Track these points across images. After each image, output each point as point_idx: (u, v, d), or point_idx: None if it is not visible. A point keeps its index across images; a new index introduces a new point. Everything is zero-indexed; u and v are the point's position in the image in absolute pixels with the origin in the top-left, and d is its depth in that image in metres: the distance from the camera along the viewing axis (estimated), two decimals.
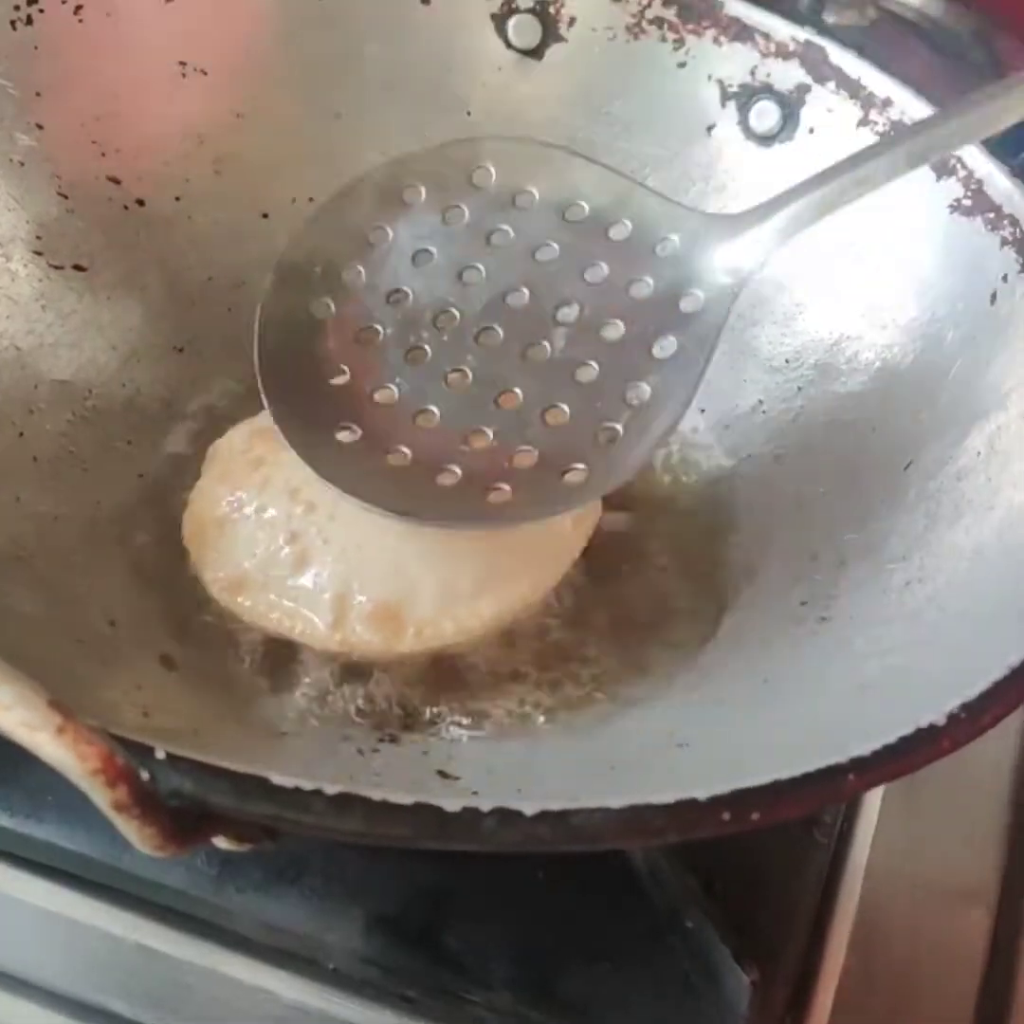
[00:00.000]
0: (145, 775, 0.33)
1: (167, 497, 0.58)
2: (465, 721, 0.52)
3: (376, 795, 0.34)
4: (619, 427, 0.51)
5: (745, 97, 0.63)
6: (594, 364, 0.52)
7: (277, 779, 0.34)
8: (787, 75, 0.62)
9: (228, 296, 0.64)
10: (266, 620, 0.53)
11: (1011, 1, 0.73)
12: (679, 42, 0.64)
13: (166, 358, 0.62)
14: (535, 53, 0.66)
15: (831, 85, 0.61)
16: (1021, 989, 0.56)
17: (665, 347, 0.52)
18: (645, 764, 0.47)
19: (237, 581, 0.54)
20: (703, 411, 0.63)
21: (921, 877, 0.59)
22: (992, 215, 0.56)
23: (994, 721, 0.39)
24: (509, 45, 0.66)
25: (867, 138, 0.60)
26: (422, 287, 0.54)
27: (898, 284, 0.59)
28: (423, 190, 0.56)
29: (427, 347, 0.53)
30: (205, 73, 0.64)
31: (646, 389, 0.51)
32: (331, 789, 0.34)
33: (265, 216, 0.65)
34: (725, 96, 0.64)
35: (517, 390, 0.52)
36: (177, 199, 0.64)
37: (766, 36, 0.62)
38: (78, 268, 0.61)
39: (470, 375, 0.52)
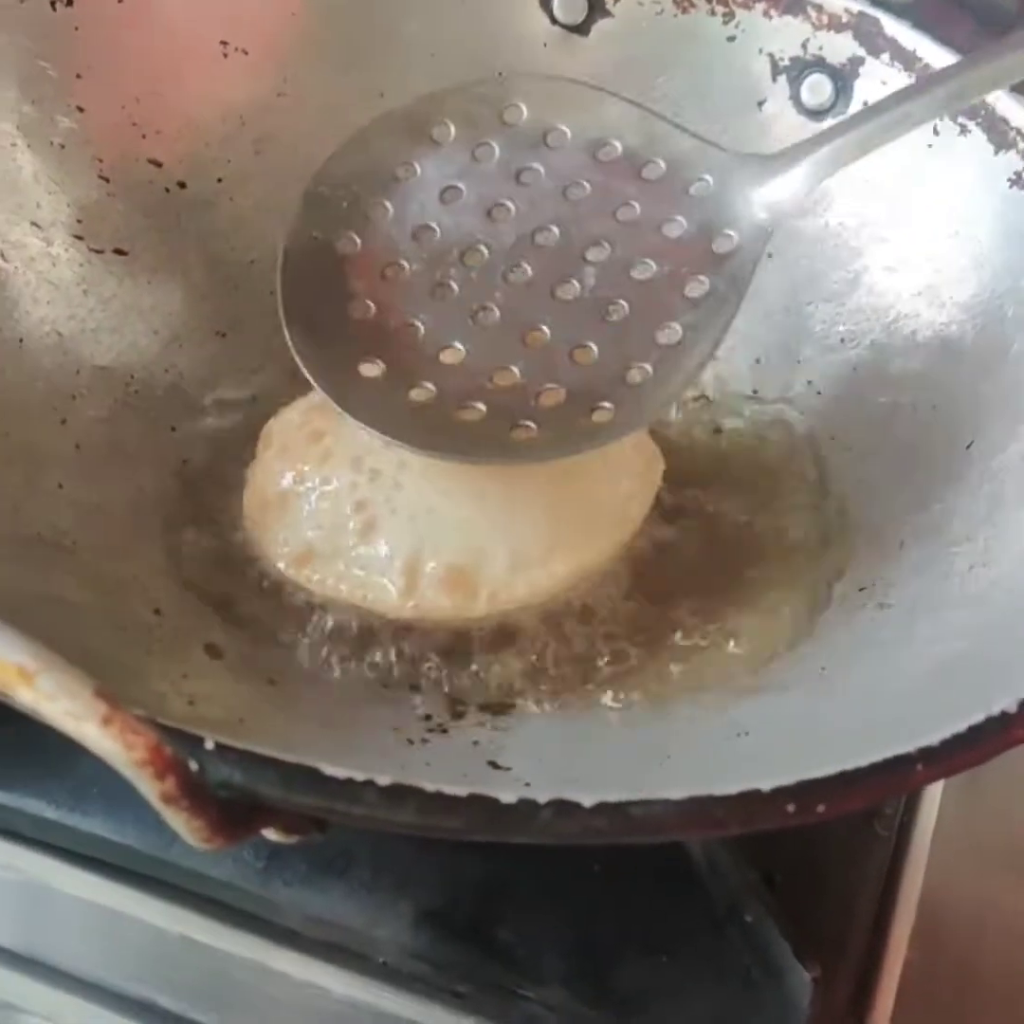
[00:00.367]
0: (194, 766, 0.32)
1: (211, 483, 0.58)
2: (529, 696, 0.51)
3: (429, 786, 0.34)
4: (648, 366, 0.50)
5: (797, 71, 0.62)
6: (624, 303, 0.51)
7: (328, 770, 0.34)
8: (840, 48, 0.61)
9: (270, 279, 0.62)
10: (336, 591, 0.53)
11: None
12: (729, 15, 0.63)
13: (208, 342, 0.62)
14: (581, 29, 0.65)
15: (885, 57, 0.60)
16: None
17: (697, 287, 0.51)
18: (704, 753, 0.46)
19: (304, 554, 0.53)
20: (756, 391, 0.62)
21: (983, 869, 0.58)
22: None
23: None
24: (555, 21, 0.65)
25: None
26: (450, 224, 0.53)
27: (956, 261, 0.58)
28: (452, 127, 0.55)
29: (454, 284, 0.52)
30: (246, 53, 0.63)
31: (677, 329, 0.50)
32: (383, 780, 0.34)
33: None
34: (776, 70, 0.63)
35: (545, 328, 0.51)
36: (218, 181, 0.63)
37: (818, 8, 0.61)
38: (119, 252, 0.60)
39: (497, 312, 0.52)
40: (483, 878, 0.51)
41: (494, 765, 0.46)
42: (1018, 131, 0.56)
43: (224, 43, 0.63)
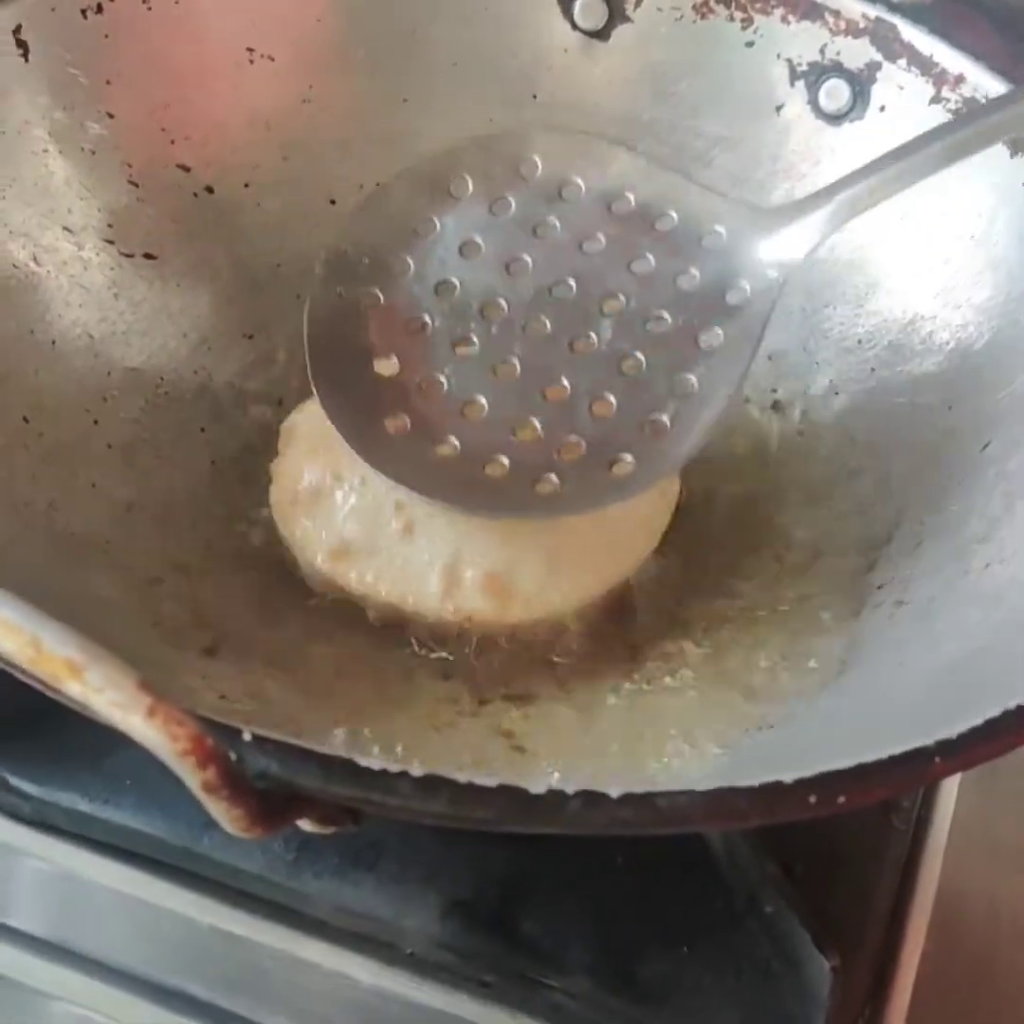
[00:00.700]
0: (233, 757, 0.33)
1: (239, 482, 0.59)
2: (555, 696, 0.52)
3: (461, 777, 0.34)
4: (666, 418, 0.51)
5: (814, 76, 0.63)
6: (641, 355, 0.52)
7: (363, 761, 0.34)
8: (858, 53, 0.62)
9: (297, 282, 0.64)
10: (375, 590, 0.53)
11: None
12: (747, 21, 0.63)
13: (236, 344, 0.63)
14: (601, 34, 0.65)
15: (902, 62, 0.61)
16: None
17: (711, 338, 0.52)
18: (727, 746, 0.47)
19: (342, 552, 0.54)
20: (776, 390, 0.63)
21: (999, 863, 0.58)
22: None
23: None
24: (575, 26, 0.65)
25: (939, 115, 0.60)
26: (470, 278, 0.54)
27: (972, 263, 0.59)
28: (470, 181, 0.56)
29: (475, 338, 0.53)
30: (272, 59, 0.64)
31: (693, 380, 0.51)
32: (417, 771, 0.34)
33: (333, 202, 0.65)
34: (794, 75, 0.63)
35: (565, 381, 0.52)
36: (246, 186, 0.64)
37: (836, 13, 0.62)
38: (149, 256, 0.61)
39: (518, 366, 0.53)
40: (509, 871, 0.52)
41: (519, 750, 0.47)
42: None
43: (250, 50, 0.63)
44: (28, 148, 0.57)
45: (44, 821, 0.55)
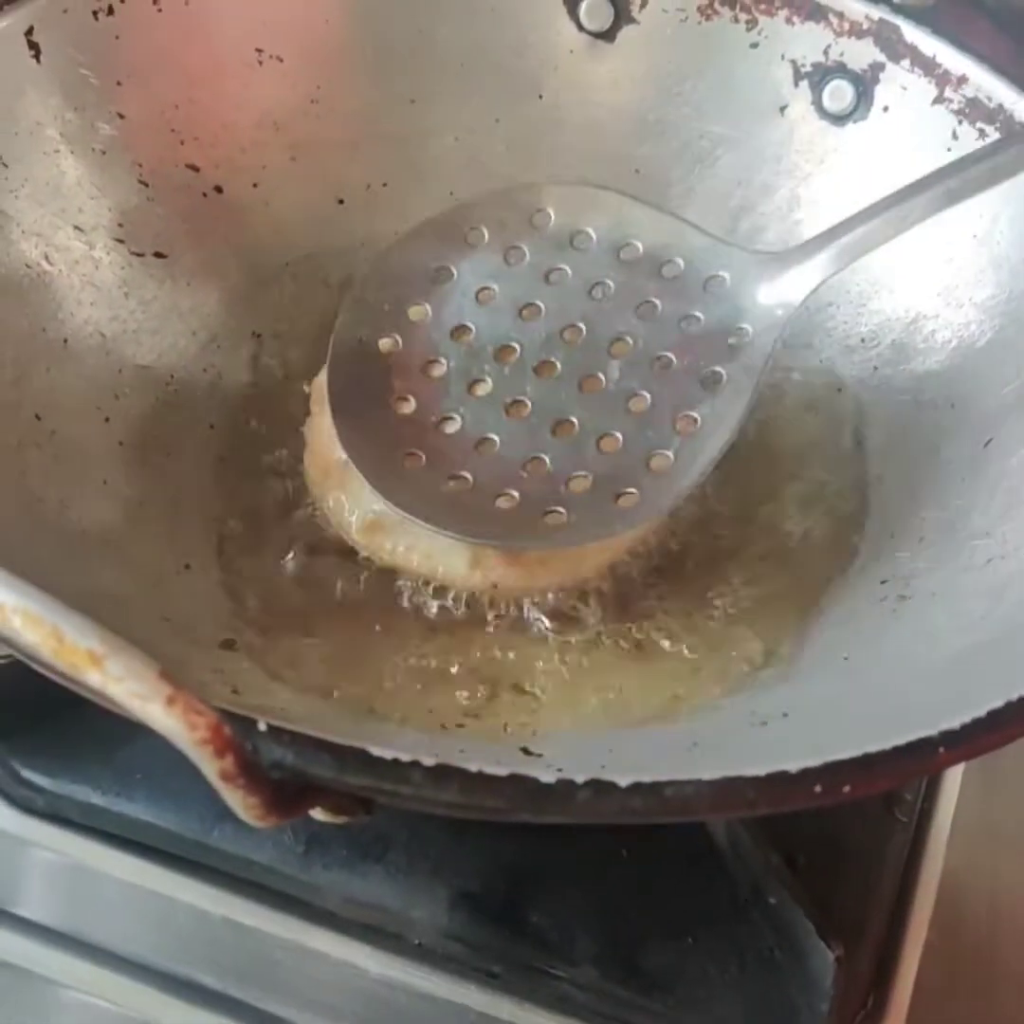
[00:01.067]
0: (249, 747, 0.34)
1: (248, 478, 0.59)
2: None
3: (472, 767, 0.35)
4: (670, 454, 0.52)
5: (818, 76, 0.63)
6: (647, 394, 0.54)
7: (376, 751, 0.35)
8: (861, 54, 0.62)
9: (304, 281, 0.65)
10: (406, 560, 0.55)
11: None
12: (752, 22, 0.64)
13: (245, 343, 0.63)
14: (607, 35, 0.66)
15: (905, 63, 0.61)
16: None
17: (715, 378, 0.54)
18: (727, 742, 0.47)
19: (374, 524, 0.55)
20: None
21: (1001, 855, 0.59)
22: None
23: None
24: (581, 28, 0.66)
25: (942, 115, 0.60)
26: (485, 323, 0.56)
27: (975, 262, 0.59)
28: (486, 232, 0.58)
29: (489, 379, 0.55)
30: (281, 60, 0.64)
31: (696, 418, 0.53)
32: (428, 761, 0.35)
33: (341, 202, 0.66)
34: (798, 76, 0.64)
35: (573, 419, 0.54)
36: (254, 186, 0.64)
37: (840, 15, 0.62)
38: (159, 255, 0.61)
39: (529, 405, 0.54)
40: (516, 863, 0.53)
41: (526, 752, 0.48)
42: None
43: (259, 51, 0.64)
44: (40, 148, 0.58)
45: (57, 814, 0.55)
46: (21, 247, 0.57)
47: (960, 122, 0.60)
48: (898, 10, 0.62)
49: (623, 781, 0.35)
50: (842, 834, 0.54)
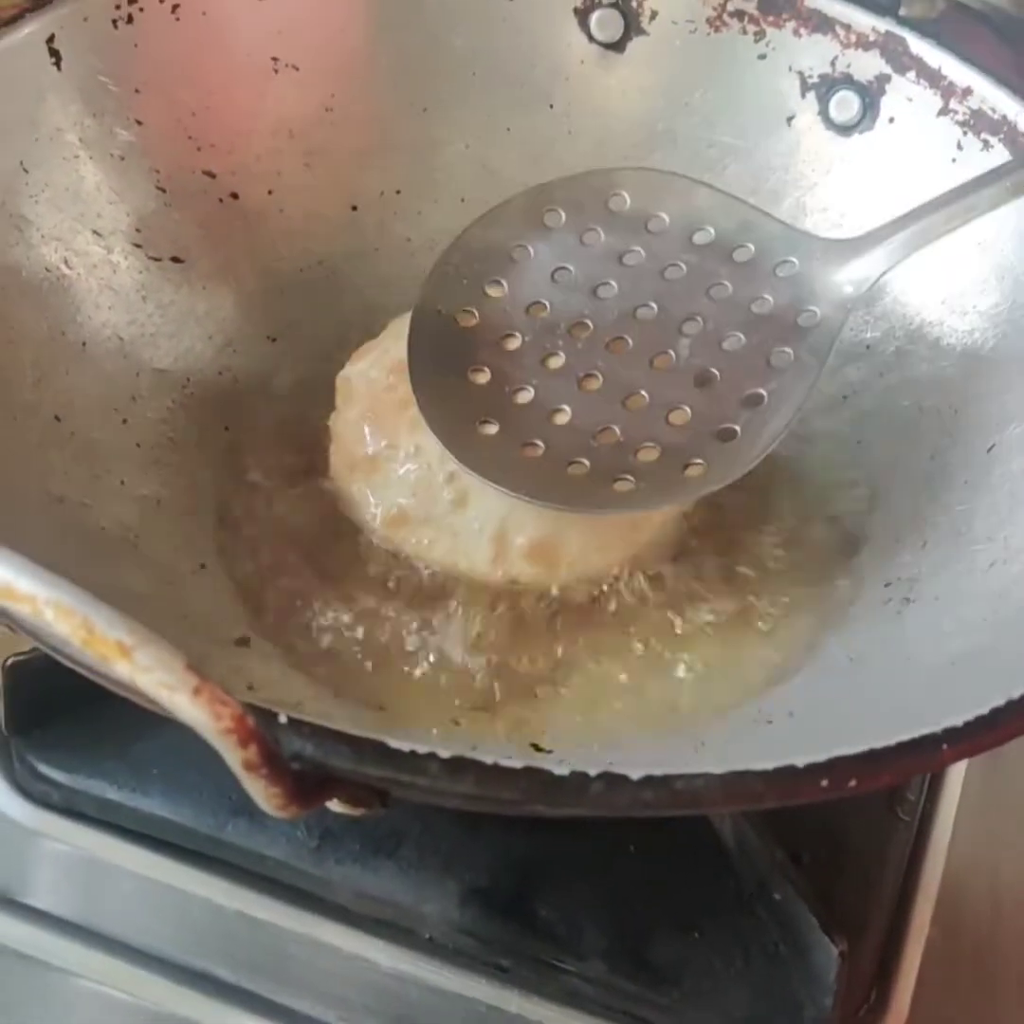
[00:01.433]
0: (270, 738, 0.34)
1: (263, 479, 0.60)
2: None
3: (487, 759, 0.36)
4: (737, 428, 0.53)
5: (825, 88, 0.64)
6: (715, 371, 0.55)
7: (394, 743, 0.35)
8: (867, 65, 0.63)
9: (319, 287, 0.65)
10: (429, 555, 0.56)
11: None
12: (759, 34, 0.65)
13: (260, 347, 0.64)
14: (617, 46, 0.67)
15: (911, 75, 0.62)
16: None
17: (782, 357, 0.54)
18: (734, 741, 0.48)
19: (398, 518, 0.56)
20: None
21: (1002, 852, 0.59)
22: None
23: None
24: (592, 39, 0.67)
25: (947, 126, 0.61)
26: (560, 300, 0.57)
27: (979, 270, 0.60)
28: (563, 214, 0.59)
29: (562, 353, 0.56)
30: (296, 69, 0.65)
31: (763, 394, 0.54)
32: (444, 753, 0.35)
33: (354, 208, 0.67)
34: (805, 87, 0.65)
35: (644, 393, 0.55)
36: (269, 192, 0.65)
37: (846, 27, 0.63)
38: (176, 260, 0.62)
39: (601, 379, 0.55)
40: (525, 858, 0.54)
41: (536, 748, 0.49)
42: None
43: (275, 59, 0.65)
44: (60, 154, 0.59)
45: (73, 808, 0.56)
46: (41, 251, 0.57)
47: (965, 133, 0.61)
48: (904, 23, 0.62)
49: (635, 774, 0.36)
50: (846, 832, 0.55)
